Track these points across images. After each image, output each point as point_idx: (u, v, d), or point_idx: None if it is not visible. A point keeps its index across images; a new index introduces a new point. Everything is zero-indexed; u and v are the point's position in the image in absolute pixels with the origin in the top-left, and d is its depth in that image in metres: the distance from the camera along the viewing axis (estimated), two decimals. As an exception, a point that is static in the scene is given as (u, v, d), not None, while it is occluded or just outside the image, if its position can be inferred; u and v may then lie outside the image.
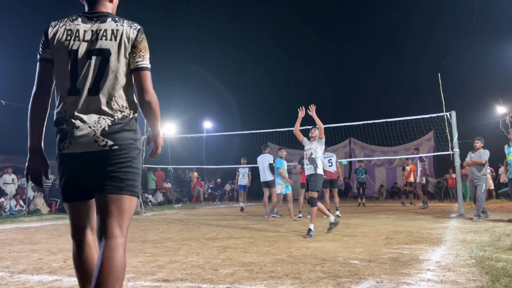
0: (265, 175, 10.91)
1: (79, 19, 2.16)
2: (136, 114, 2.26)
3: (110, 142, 2.08)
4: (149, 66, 2.21)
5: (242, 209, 12.89)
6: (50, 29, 2.15)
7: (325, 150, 10.71)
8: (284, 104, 28.57)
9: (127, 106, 2.19)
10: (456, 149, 10.78)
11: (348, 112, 23.59)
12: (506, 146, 9.04)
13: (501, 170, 14.81)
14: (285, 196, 10.19)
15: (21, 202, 11.75)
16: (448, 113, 11.01)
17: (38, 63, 2.19)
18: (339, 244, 5.51)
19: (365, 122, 12.40)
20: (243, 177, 13.26)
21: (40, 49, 2.17)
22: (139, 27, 2.22)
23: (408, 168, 14.56)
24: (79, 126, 2.08)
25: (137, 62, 2.17)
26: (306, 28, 30.11)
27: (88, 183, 2.14)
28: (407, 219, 9.44)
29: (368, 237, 6.23)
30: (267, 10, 30.12)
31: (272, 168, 10.87)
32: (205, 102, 25.48)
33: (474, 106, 19.46)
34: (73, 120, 2.09)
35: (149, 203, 15.18)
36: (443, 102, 11.10)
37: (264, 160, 10.94)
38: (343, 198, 11.43)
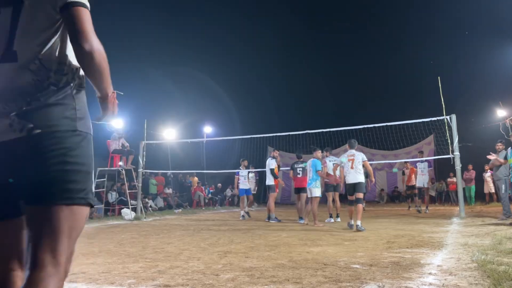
0: (267, 179, 10.94)
1: None
2: (74, 82, 1.58)
3: (29, 125, 1.44)
4: (85, 2, 1.56)
5: (244, 216, 11.82)
6: None
7: (330, 154, 10.76)
8: (284, 108, 28.64)
9: (59, 70, 1.54)
10: (457, 153, 10.78)
11: (348, 115, 23.61)
12: (509, 149, 9.06)
13: None
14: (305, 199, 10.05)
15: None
16: (448, 117, 11.01)
17: None
18: (340, 248, 5.50)
19: (366, 126, 12.39)
20: (245, 181, 12.51)
21: None
22: None
23: (407, 171, 14.33)
24: None
25: None
26: (306, 32, 30.21)
27: (8, 190, 1.50)
28: (408, 223, 9.43)
29: (369, 241, 6.22)
30: (267, 15, 30.23)
31: (272, 172, 10.88)
32: (205, 107, 25.53)
33: (474, 110, 19.47)
34: None
35: (150, 208, 15.16)
36: (443, 106, 11.12)
37: (268, 164, 10.96)
38: (344, 202, 11.38)
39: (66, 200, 1.46)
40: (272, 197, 10.98)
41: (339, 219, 10.39)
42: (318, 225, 9.13)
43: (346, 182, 8.53)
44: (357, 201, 8.20)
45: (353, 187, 8.33)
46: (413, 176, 13.72)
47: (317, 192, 9.52)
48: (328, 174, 10.20)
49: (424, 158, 13.74)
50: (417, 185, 13.48)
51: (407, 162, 14.44)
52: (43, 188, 1.44)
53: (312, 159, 9.81)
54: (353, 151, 8.65)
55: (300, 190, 10.42)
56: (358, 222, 7.80)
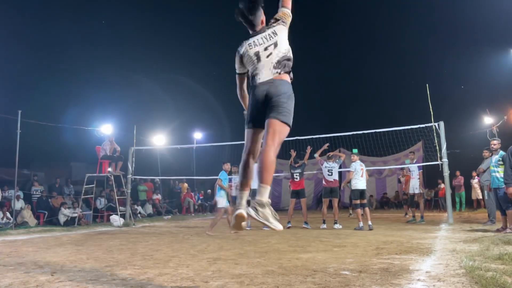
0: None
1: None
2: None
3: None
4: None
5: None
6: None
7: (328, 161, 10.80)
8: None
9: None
10: (445, 159, 10.88)
11: (337, 122, 23.78)
12: (493, 157, 9.18)
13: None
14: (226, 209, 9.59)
15: (8, 215, 11.55)
16: (436, 124, 11.12)
17: None
18: (329, 254, 5.51)
19: (355, 132, 12.46)
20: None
21: None
22: None
23: (403, 179, 13.90)
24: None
25: None
26: (295, 37, 30.32)
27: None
28: (397, 229, 9.48)
29: (358, 247, 6.24)
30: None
31: None
32: (195, 113, 25.49)
33: (462, 117, 19.73)
34: None
35: (139, 215, 15.05)
36: (432, 113, 11.23)
37: None
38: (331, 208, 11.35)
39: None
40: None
41: (337, 225, 10.18)
42: (210, 232, 8.94)
43: (356, 187, 9.79)
44: (364, 205, 9.84)
45: (361, 193, 9.77)
46: (408, 182, 12.99)
47: (220, 202, 9.44)
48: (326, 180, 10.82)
49: (415, 162, 13.09)
50: (409, 191, 12.39)
51: (403, 169, 13.84)
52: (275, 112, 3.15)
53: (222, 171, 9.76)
54: (360, 161, 10.08)
55: (298, 193, 10.72)
56: (370, 222, 9.37)
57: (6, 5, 19.87)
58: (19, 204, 12.11)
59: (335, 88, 28.90)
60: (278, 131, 3.10)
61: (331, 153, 11.08)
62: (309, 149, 11.05)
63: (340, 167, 11.40)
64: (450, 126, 13.57)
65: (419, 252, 5.56)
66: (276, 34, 3.34)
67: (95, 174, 12.61)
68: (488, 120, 15.04)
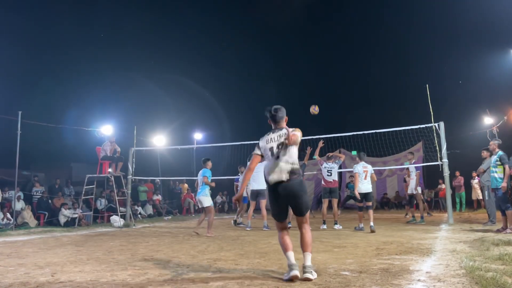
0: (258, 184, 10.45)
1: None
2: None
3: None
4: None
5: (240, 223, 11.86)
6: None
7: (328, 161, 10.71)
8: (275, 115, 28.62)
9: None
10: (445, 160, 10.87)
11: (337, 122, 23.76)
12: (492, 157, 9.19)
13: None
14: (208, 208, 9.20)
15: (9, 215, 11.56)
16: (436, 124, 11.11)
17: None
18: (329, 255, 5.51)
19: (355, 133, 12.44)
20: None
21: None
22: None
23: (408, 179, 13.78)
24: None
25: None
26: (296, 39, 30.38)
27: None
28: (397, 229, 9.47)
29: (358, 248, 6.24)
30: (257, 22, 30.34)
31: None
32: (195, 113, 25.48)
33: (462, 117, 19.72)
34: None
35: (139, 215, 15.04)
36: (432, 113, 11.22)
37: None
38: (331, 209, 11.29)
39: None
40: (264, 203, 10.75)
41: (337, 226, 10.13)
42: (209, 234, 8.77)
43: (359, 191, 9.36)
44: (368, 207, 9.40)
45: (364, 196, 9.37)
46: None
47: (207, 201, 9.09)
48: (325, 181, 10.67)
49: (414, 162, 13.07)
50: (408, 191, 12.45)
51: (408, 168, 13.43)
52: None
53: (203, 169, 9.33)
54: (364, 163, 9.62)
55: None
56: (372, 223, 8.84)
57: (6, 6, 19.91)
58: (19, 205, 12.12)
59: (335, 88, 28.90)
60: (307, 219, 4.23)
61: (330, 154, 11.00)
62: (309, 150, 10.95)
63: (340, 168, 11.38)
64: (450, 126, 13.55)
65: (419, 252, 5.56)
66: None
67: (95, 175, 12.61)
68: (488, 120, 15.02)
